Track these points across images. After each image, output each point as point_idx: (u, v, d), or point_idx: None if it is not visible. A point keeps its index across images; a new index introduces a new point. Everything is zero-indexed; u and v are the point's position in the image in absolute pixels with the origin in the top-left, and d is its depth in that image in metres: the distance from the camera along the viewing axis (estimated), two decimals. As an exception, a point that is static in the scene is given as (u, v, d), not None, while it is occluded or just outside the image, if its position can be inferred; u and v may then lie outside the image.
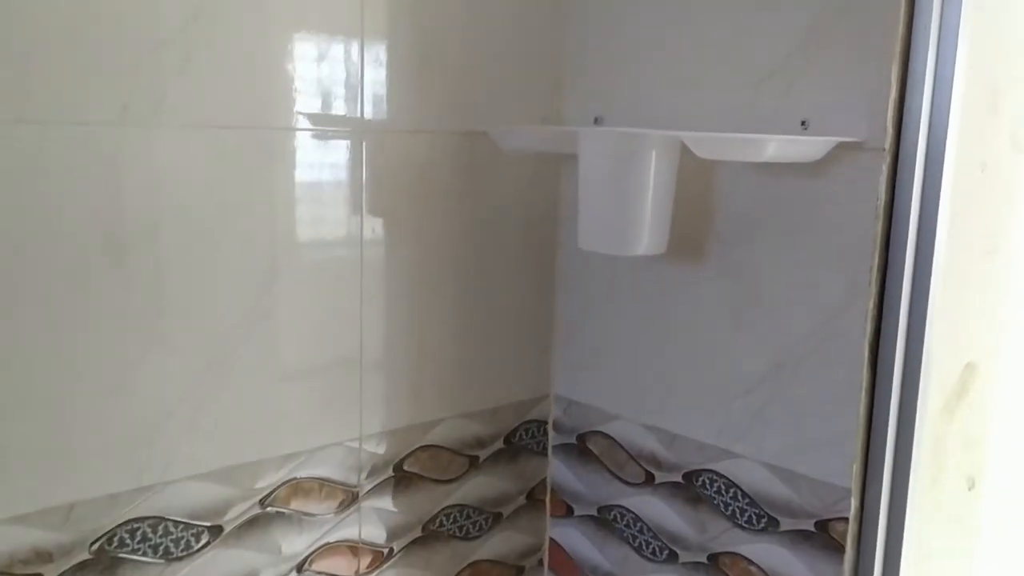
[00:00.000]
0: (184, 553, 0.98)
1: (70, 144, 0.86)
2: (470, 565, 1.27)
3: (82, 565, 0.91)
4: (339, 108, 1.05)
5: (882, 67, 0.94)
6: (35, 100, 0.84)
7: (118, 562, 0.93)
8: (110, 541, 0.92)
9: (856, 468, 1.00)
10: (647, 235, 1.00)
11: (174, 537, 0.97)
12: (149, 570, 0.95)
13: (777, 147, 0.88)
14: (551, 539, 1.35)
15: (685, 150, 0.98)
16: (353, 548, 1.13)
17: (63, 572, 0.90)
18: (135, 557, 0.94)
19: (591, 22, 1.22)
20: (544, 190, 1.26)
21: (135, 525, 0.94)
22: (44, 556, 0.88)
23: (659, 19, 1.14)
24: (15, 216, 0.84)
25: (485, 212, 1.20)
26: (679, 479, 1.17)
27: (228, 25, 0.94)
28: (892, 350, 0.99)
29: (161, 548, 0.96)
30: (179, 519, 0.97)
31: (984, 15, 0.97)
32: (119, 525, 0.93)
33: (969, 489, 1.21)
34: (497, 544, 1.30)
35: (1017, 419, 1.26)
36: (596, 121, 1.21)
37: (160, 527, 0.96)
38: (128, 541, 0.93)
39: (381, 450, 1.14)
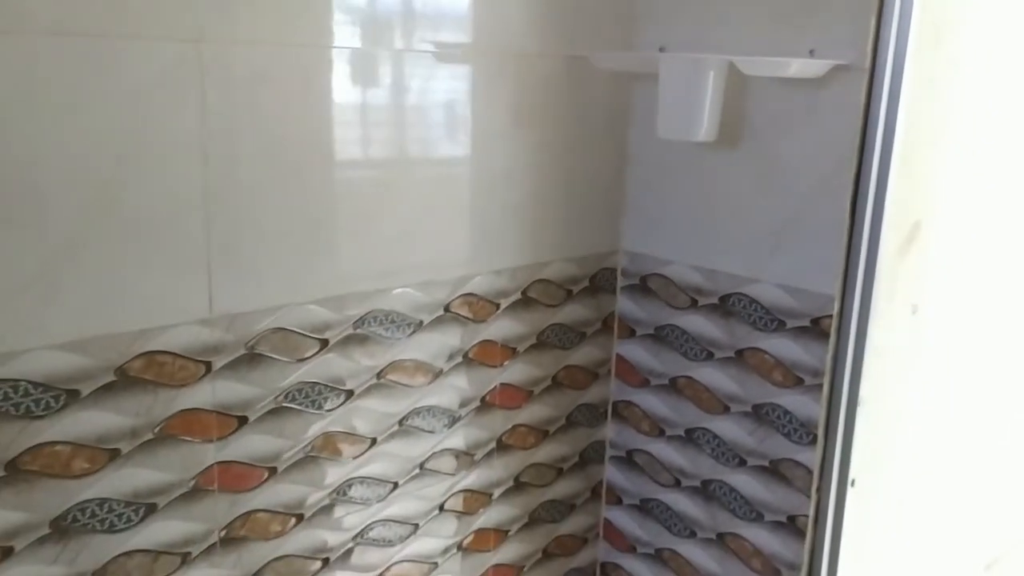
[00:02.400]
0: (402, 336, 1.49)
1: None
2: (565, 367, 1.79)
3: (347, 338, 1.41)
4: (492, 37, 1.52)
5: (865, 14, 1.42)
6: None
7: (366, 337, 1.44)
8: (363, 322, 1.43)
9: (837, 283, 1.52)
10: (705, 127, 1.50)
11: (397, 324, 1.48)
12: (384, 343, 1.46)
13: (797, 67, 1.38)
14: (617, 354, 1.88)
15: (732, 68, 1.47)
16: (494, 346, 1.65)
17: (337, 340, 1.40)
18: (377, 334, 1.45)
19: (657, -24, 1.69)
20: (621, 99, 1.74)
21: (376, 314, 1.44)
22: (329, 326, 1.38)
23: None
24: None
25: (581, 114, 1.68)
26: (716, 301, 1.69)
27: (432, -19, 1.41)
28: (864, 206, 1.50)
29: (389, 331, 1.47)
30: (400, 311, 1.48)
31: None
32: (368, 313, 1.43)
33: (913, 313, 1.75)
34: (582, 355, 1.82)
35: (951, 264, 1.79)
36: (661, 49, 1.70)
37: (390, 316, 1.46)
38: (372, 323, 1.44)
39: (513, 280, 1.64)
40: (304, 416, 1.39)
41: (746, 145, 1.60)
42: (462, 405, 1.62)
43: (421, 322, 1.51)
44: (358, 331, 1.43)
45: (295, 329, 1.34)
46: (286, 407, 1.36)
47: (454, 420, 1.61)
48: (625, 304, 1.85)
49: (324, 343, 1.39)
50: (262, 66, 1.24)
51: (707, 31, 1.63)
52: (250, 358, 1.30)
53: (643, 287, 1.81)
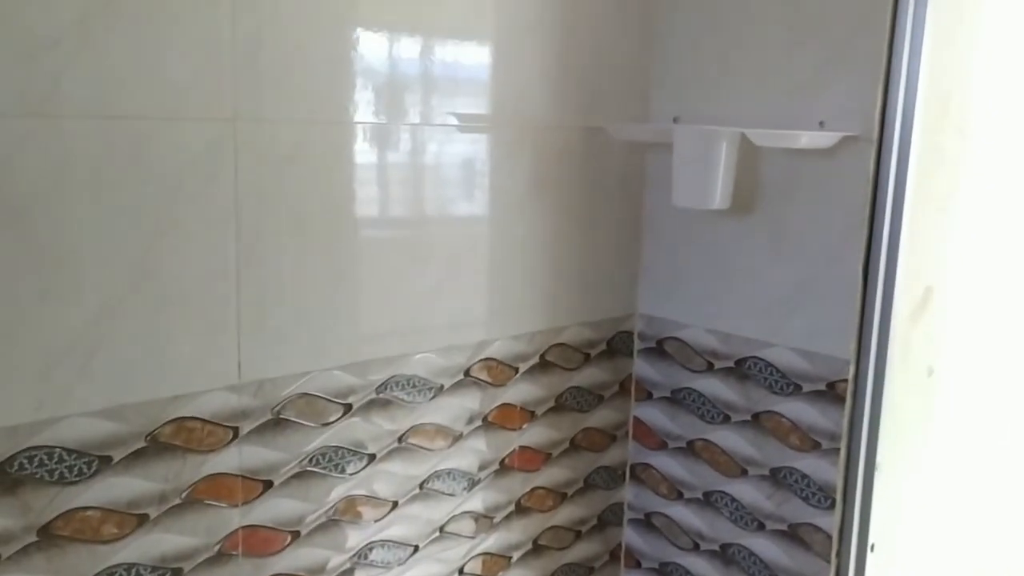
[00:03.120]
0: (423, 400, 1.52)
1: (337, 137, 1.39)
2: (583, 430, 1.81)
3: (370, 402, 1.44)
4: (511, 110, 1.58)
5: (873, 86, 1.47)
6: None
7: (388, 402, 1.47)
8: (385, 387, 1.46)
9: (852, 346, 1.55)
10: (719, 195, 1.54)
11: (419, 388, 1.51)
12: (404, 408, 1.49)
13: (807, 139, 1.42)
14: (634, 416, 1.90)
15: (744, 140, 1.51)
16: (513, 409, 1.67)
17: (360, 405, 1.43)
18: (399, 399, 1.48)
19: (672, 45, 1.75)
20: (635, 168, 1.79)
21: (398, 379, 1.48)
22: (353, 391, 1.42)
23: (721, 45, 1.67)
24: None
25: (597, 183, 1.73)
26: (732, 365, 1.71)
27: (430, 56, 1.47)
28: (876, 272, 1.53)
29: (411, 396, 1.50)
30: (422, 376, 1.51)
31: (938, 50, 1.51)
32: (390, 378, 1.46)
33: (928, 375, 1.76)
34: (600, 418, 1.84)
35: (965, 327, 1.81)
36: (675, 120, 1.75)
37: (411, 381, 1.50)
38: (394, 388, 1.47)
39: (531, 345, 1.68)
40: (327, 480, 1.41)
41: (759, 212, 1.64)
42: (481, 468, 1.64)
43: (442, 386, 1.54)
44: (380, 396, 1.46)
45: (320, 394, 1.38)
46: (310, 471, 1.39)
47: (473, 483, 1.63)
48: (642, 367, 1.88)
49: (348, 408, 1.42)
50: (291, 142, 1.30)
51: (720, 103, 1.68)
52: (276, 423, 1.33)
53: (659, 350, 1.84)
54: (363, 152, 1.40)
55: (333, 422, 1.40)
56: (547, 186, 1.65)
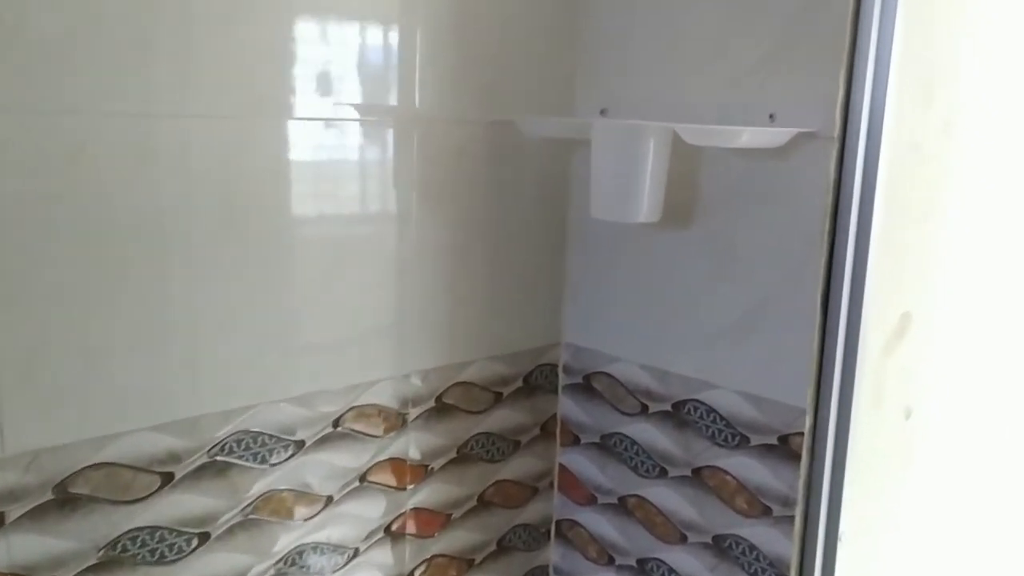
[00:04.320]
0: (276, 461, 1.22)
1: (131, 133, 1.09)
2: (494, 484, 1.52)
3: (201, 467, 1.15)
4: (394, 100, 1.28)
5: (833, 71, 1.18)
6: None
7: (228, 466, 1.17)
8: (222, 448, 1.17)
9: (810, 392, 1.26)
10: (646, 206, 1.24)
11: (268, 447, 1.21)
12: (250, 473, 1.20)
13: (749, 136, 1.13)
14: (560, 464, 1.61)
15: (676, 138, 1.22)
16: (402, 464, 1.38)
17: (188, 472, 1.14)
18: (240, 462, 1.19)
19: (599, 29, 1.45)
20: (557, 169, 1.50)
21: (240, 436, 1.18)
22: (175, 457, 1.12)
23: (654, 28, 1.38)
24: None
25: (509, 187, 1.44)
26: (668, 408, 1.42)
27: (289, 22, 1.18)
28: (839, 298, 1.24)
29: (259, 456, 1.20)
30: (272, 433, 1.21)
31: (916, 25, 1.22)
32: (229, 436, 1.17)
33: (906, 418, 1.47)
34: (516, 467, 1.55)
35: (949, 359, 1.52)
36: (602, 112, 1.45)
37: (258, 439, 1.20)
38: (235, 449, 1.18)
39: (425, 385, 1.38)
40: (142, 574, 1.12)
41: (698, 226, 1.35)
42: (362, 539, 1.35)
43: (302, 442, 1.25)
44: (217, 459, 1.16)
45: (125, 463, 1.08)
46: (114, 561, 1.09)
47: (351, 557, 1.34)
48: (568, 407, 1.59)
49: (168, 477, 1.12)
50: (72, 142, 1.00)
51: (656, 93, 1.39)
52: (60, 504, 1.04)
53: (587, 387, 1.55)
54: (191, 153, 1.10)
55: (146, 498, 1.11)
56: (442, 191, 1.36)
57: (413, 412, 1.38)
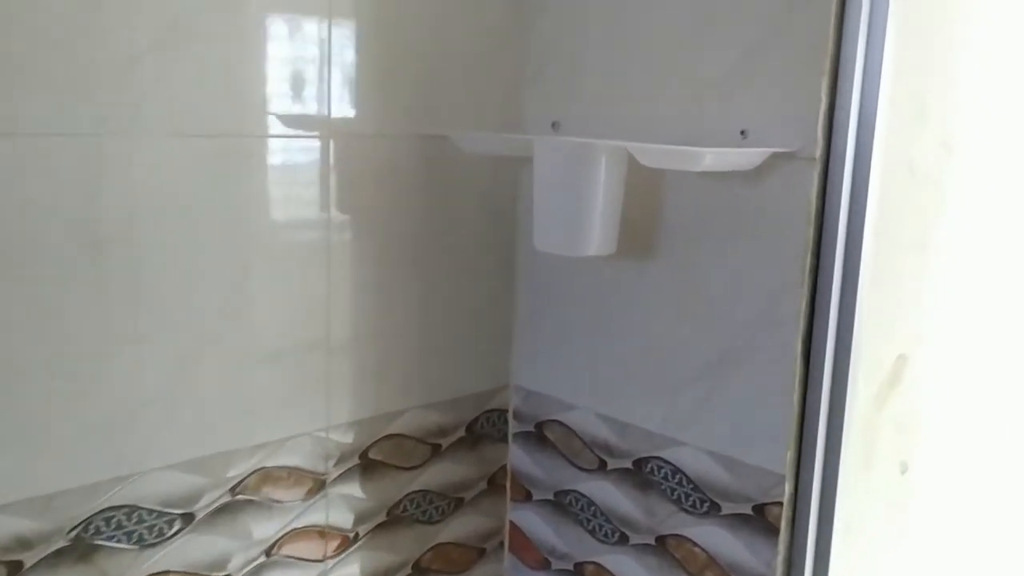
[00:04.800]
0: (157, 539, 1.04)
1: (51, 154, 0.90)
2: (433, 548, 1.33)
3: (60, 552, 0.96)
4: (309, 112, 1.10)
5: (814, 82, 1.00)
6: (18, 114, 0.88)
7: (94, 549, 0.99)
8: (87, 528, 0.98)
9: (789, 456, 1.07)
10: (597, 237, 1.06)
11: (148, 524, 1.02)
12: (124, 556, 1.01)
13: (713, 158, 0.95)
14: (511, 522, 1.42)
15: (632, 158, 1.04)
16: (321, 532, 1.19)
17: (41, 559, 0.95)
18: (110, 544, 1.00)
19: (550, 33, 1.27)
20: (504, 190, 1.31)
21: (111, 513, 0.99)
22: (24, 544, 0.93)
23: (611, 33, 1.20)
24: (-7, 223, 0.88)
25: (447, 211, 1.25)
26: (629, 466, 1.24)
27: (200, 38, 0.99)
28: (823, 344, 1.06)
29: (135, 535, 1.02)
30: (153, 507, 1.03)
31: (910, 31, 1.04)
32: (96, 513, 0.98)
33: (902, 473, 1.29)
34: (459, 527, 1.36)
35: (949, 405, 1.34)
36: (553, 126, 1.27)
37: (135, 515, 1.01)
38: (104, 528, 0.99)
39: (348, 439, 1.20)
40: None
41: (662, 259, 1.17)
42: (271, 620, 1.16)
43: (191, 516, 1.06)
44: (80, 541, 0.98)
45: (-43, 554, 0.90)
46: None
47: (257, 643, 1.15)
48: (518, 457, 1.40)
49: (15, 568, 0.93)
50: None
51: (612, 105, 1.21)
52: None
53: (539, 436, 1.36)
54: (51, 175, 0.91)
55: (-16, 595, 0.92)
56: (366, 216, 1.17)
57: (334, 472, 1.19)
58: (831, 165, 1.02)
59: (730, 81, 1.08)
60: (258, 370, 1.10)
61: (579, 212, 1.05)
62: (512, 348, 1.37)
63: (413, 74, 1.18)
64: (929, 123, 1.16)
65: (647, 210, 1.16)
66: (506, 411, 1.39)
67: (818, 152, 1.01)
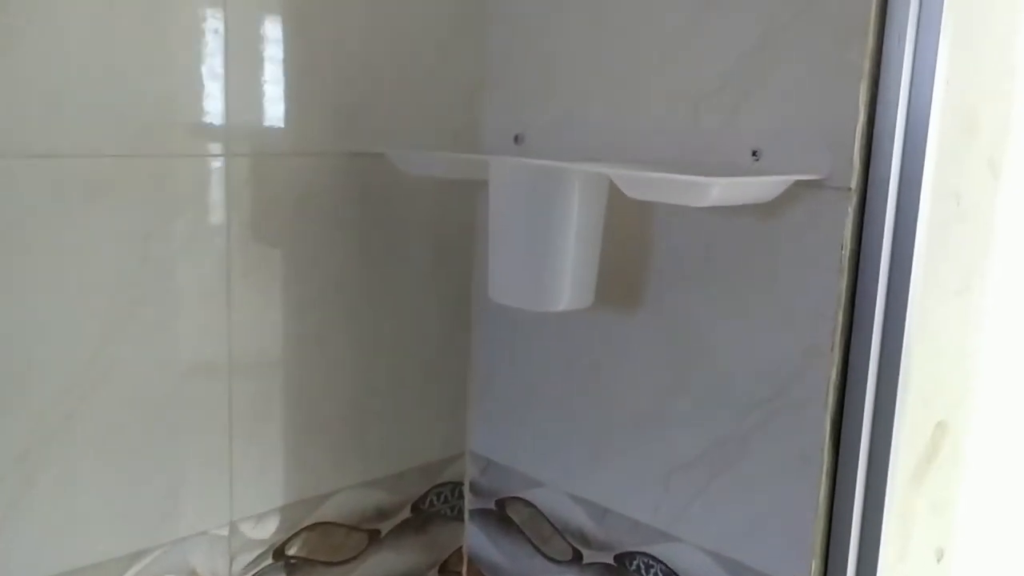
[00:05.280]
0: None
1: None
2: (372, 655, 1.09)
3: None
4: (203, 125, 0.85)
5: (848, 87, 0.77)
6: None
7: None
8: None
9: (814, 565, 0.85)
10: (568, 288, 0.83)
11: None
12: None
13: (722, 191, 0.71)
14: (469, 616, 1.19)
15: (615, 186, 0.80)
16: (223, 652, 0.95)
17: None
18: None
19: (513, 24, 1.04)
20: (456, 220, 1.08)
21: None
22: None
23: (587, 26, 0.96)
24: None
25: (387, 245, 1.02)
26: (610, 561, 1.00)
27: (78, 42, 0.74)
28: (858, 424, 0.83)
29: None
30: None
31: (965, 23, 0.82)
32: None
33: (938, 561, 1.07)
34: (405, 628, 1.12)
35: (990, 479, 1.12)
36: (516, 140, 1.04)
37: (-42, 662, 0.76)
38: None
39: (259, 534, 0.96)
40: None
41: (651, 309, 0.94)
42: None
43: (41, 654, 0.81)
44: None
45: None
46: None
47: None
48: (477, 539, 1.16)
49: None
50: None
51: (588, 116, 0.97)
52: None
53: (501, 515, 1.12)
54: None
55: None
56: (276, 254, 0.93)
57: (238, 577, 0.95)
58: (870, 196, 0.80)
59: (737, 85, 0.85)
60: (136, 452, 0.85)
61: (545, 256, 0.81)
62: (468, 409, 1.14)
63: (343, 78, 0.94)
64: (978, 140, 0.93)
65: (635, 249, 0.93)
66: (461, 484, 1.15)
67: (854, 180, 0.78)
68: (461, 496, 1.15)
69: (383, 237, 1.01)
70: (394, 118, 1.00)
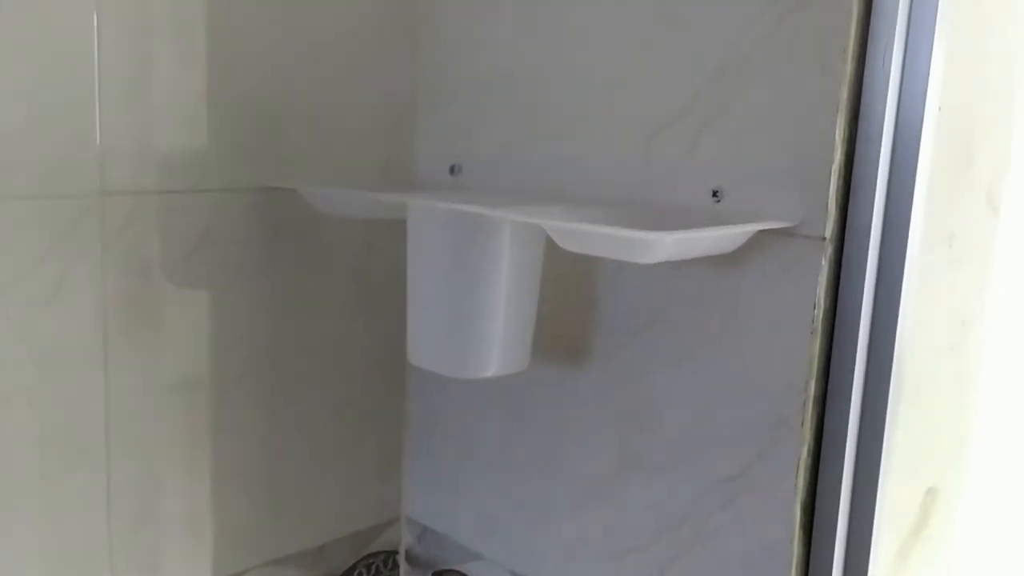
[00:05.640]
0: None
1: None
2: None
3: None
4: (68, 159, 0.73)
5: (823, 119, 0.66)
6: None
7: None
8: None
9: (785, 671, 0.73)
10: (496, 353, 0.70)
11: None
12: None
13: (668, 249, 0.59)
14: None
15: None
16: None
17: None
18: None
19: (448, 42, 0.92)
20: (387, 262, 0.95)
21: None
22: None
23: (528, 39, 0.85)
24: None
25: (305, 291, 0.89)
26: (558, 649, 0.88)
27: None
28: (833, 512, 0.71)
29: None
30: None
31: (960, 37, 0.70)
32: None
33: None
34: None
35: (983, 547, 1.01)
36: (452, 171, 0.92)
37: None
38: None
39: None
40: None
41: (600, 371, 0.82)
42: None
43: None
44: None
45: None
46: None
47: None
48: (413, 615, 1.04)
49: None
50: None
51: (530, 146, 0.85)
52: None
53: (441, 590, 1.00)
54: None
55: None
56: (171, 300, 0.80)
57: (126, 677, 0.82)
58: (848, 246, 0.68)
59: (697, 115, 0.73)
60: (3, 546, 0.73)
61: (470, 316, 0.69)
62: (403, 471, 1.01)
63: (249, 102, 0.82)
64: (974, 172, 0.82)
65: (578, 304, 0.81)
66: (395, 553, 1.03)
67: (829, 228, 0.67)
68: (395, 566, 1.03)
69: (301, 282, 0.89)
70: (314, 147, 0.87)
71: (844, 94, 0.65)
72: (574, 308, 0.81)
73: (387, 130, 0.93)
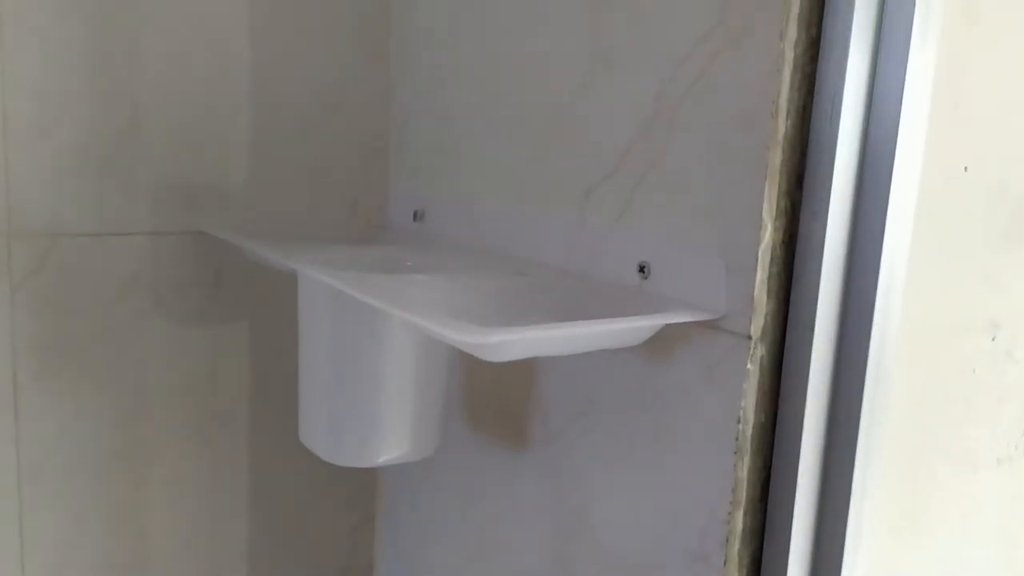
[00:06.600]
0: None
1: None
2: None
3: None
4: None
5: (749, 186, 0.52)
6: None
7: None
8: None
9: None
10: (385, 441, 0.62)
11: None
12: None
13: (523, 347, 0.48)
14: None
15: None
16: None
17: None
18: None
19: (417, 76, 0.84)
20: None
21: None
22: None
23: (484, 78, 0.75)
24: None
25: (244, 338, 0.84)
26: None
27: None
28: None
29: None
30: None
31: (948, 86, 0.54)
32: None
33: None
34: None
35: None
36: (416, 217, 0.83)
37: None
38: None
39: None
40: None
41: (541, 460, 0.71)
42: None
43: None
44: None
45: None
46: None
47: None
48: None
49: None
50: None
51: (483, 196, 0.75)
52: None
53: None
54: None
55: None
56: (86, 350, 0.77)
57: None
58: (790, 349, 0.53)
59: (630, 171, 0.60)
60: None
61: (352, 397, 0.61)
62: (376, 527, 0.94)
63: (187, 136, 0.78)
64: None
65: (519, 382, 0.70)
66: (367, 618, 0.96)
67: (756, 325, 0.52)
68: (368, 631, 0.96)
69: (240, 330, 0.84)
70: (270, 187, 0.82)
71: (775, 157, 0.51)
72: (514, 384, 0.70)
73: (357, 170, 0.86)
